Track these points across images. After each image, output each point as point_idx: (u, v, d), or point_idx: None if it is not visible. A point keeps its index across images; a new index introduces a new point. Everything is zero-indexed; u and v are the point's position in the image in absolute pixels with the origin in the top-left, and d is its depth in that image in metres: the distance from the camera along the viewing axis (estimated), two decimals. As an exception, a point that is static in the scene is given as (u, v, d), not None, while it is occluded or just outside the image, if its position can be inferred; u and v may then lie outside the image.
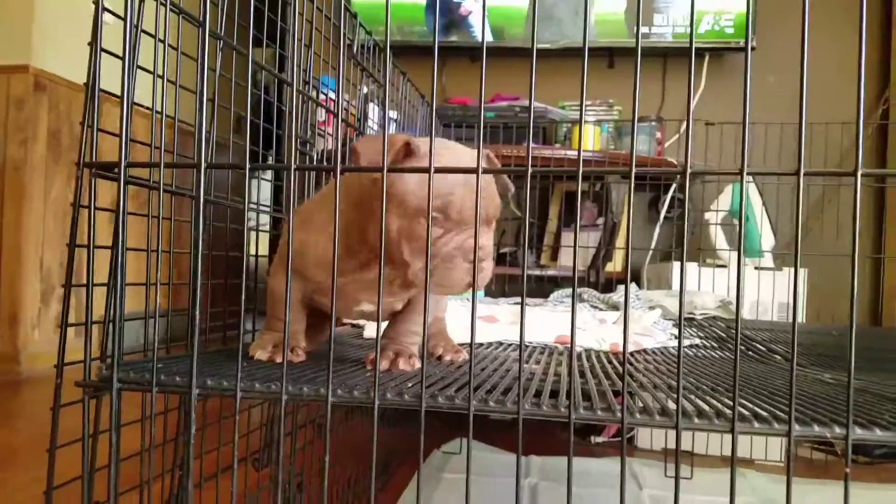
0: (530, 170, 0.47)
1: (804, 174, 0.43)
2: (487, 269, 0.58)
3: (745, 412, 0.46)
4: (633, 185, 0.48)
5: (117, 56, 0.52)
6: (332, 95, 1.35)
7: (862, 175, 0.43)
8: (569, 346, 0.95)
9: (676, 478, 0.45)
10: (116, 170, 0.50)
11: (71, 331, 0.53)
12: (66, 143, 2.51)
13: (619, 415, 0.43)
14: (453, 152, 0.60)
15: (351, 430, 1.15)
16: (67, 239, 0.51)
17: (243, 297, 0.48)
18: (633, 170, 0.46)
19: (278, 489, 0.46)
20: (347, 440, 1.12)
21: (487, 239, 0.59)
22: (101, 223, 0.53)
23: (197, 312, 0.46)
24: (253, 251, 0.88)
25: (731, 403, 0.43)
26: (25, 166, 2.33)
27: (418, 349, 0.66)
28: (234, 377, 0.47)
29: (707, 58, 2.33)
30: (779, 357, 0.94)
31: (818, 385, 0.65)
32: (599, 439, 1.73)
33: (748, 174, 0.46)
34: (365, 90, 1.23)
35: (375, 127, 1.31)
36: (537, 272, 2.02)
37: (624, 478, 0.45)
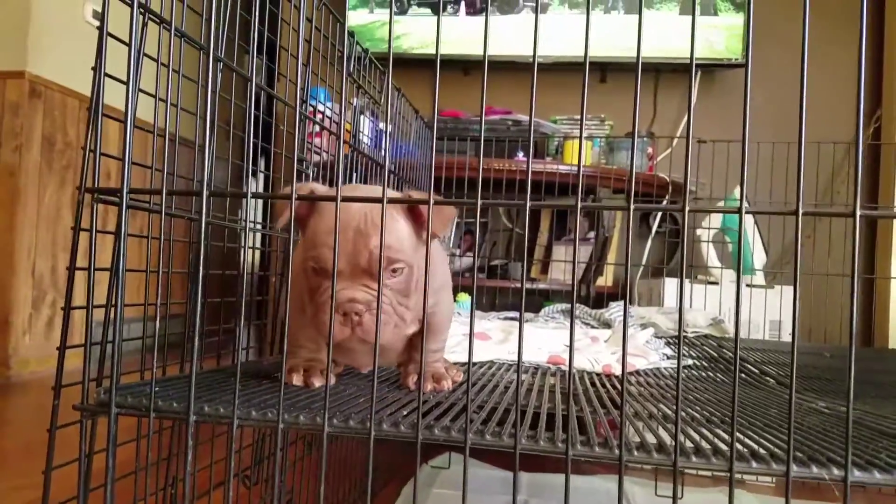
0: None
1: (803, 214, 0.44)
2: (367, 324, 0.55)
3: (743, 449, 0.46)
4: (631, 215, 0.48)
5: (120, 80, 0.53)
6: (320, 108, 1.37)
7: (860, 216, 0.44)
8: (562, 366, 0.96)
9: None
10: (118, 195, 0.50)
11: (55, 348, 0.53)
12: (59, 150, 2.51)
13: (616, 451, 0.44)
14: (354, 195, 0.58)
15: (339, 444, 1.16)
16: (59, 245, 0.51)
17: (240, 324, 0.49)
18: (632, 205, 0.47)
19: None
20: (335, 454, 1.12)
21: (362, 291, 0.55)
22: (96, 240, 0.54)
23: (196, 338, 0.47)
24: (246, 268, 0.88)
25: (727, 438, 0.43)
26: (19, 172, 2.32)
27: (441, 365, 0.67)
28: (230, 403, 0.48)
29: (699, 74, 2.36)
30: (771, 380, 0.95)
31: (813, 416, 0.65)
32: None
33: (747, 213, 0.47)
34: (355, 102, 1.23)
35: (367, 141, 1.32)
36: (528, 285, 2.03)
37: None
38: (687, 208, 0.47)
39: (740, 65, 2.24)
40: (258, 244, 0.93)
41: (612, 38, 2.30)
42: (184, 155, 0.63)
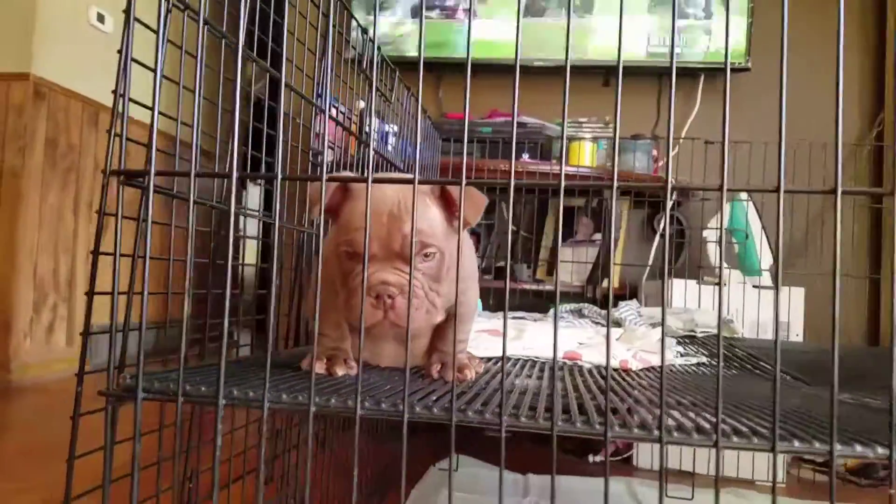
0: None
1: (784, 191, 0.45)
2: (400, 307, 0.55)
3: (727, 428, 0.46)
4: (615, 196, 0.49)
5: (148, 67, 0.53)
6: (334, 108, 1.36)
7: (842, 193, 0.45)
8: (577, 361, 0.96)
9: (661, 494, 0.46)
10: (141, 179, 0.50)
11: (61, 340, 0.52)
12: (62, 152, 2.50)
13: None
14: (382, 185, 0.58)
15: (347, 444, 1.15)
16: (62, 247, 0.51)
17: (272, 306, 0.48)
18: (616, 183, 0.47)
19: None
20: (343, 454, 1.11)
21: (395, 274, 0.55)
22: (125, 231, 0.53)
23: (226, 321, 0.46)
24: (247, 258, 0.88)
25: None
26: (22, 173, 2.31)
27: (465, 356, 0.67)
28: (257, 388, 0.47)
29: (702, 78, 2.37)
30: (788, 377, 0.95)
31: (817, 403, 0.65)
32: (598, 458, 1.73)
33: (729, 190, 0.48)
34: (361, 104, 1.23)
35: (375, 138, 1.32)
36: (534, 287, 2.02)
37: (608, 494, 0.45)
38: (670, 186, 0.47)
39: (745, 69, 2.25)
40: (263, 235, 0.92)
41: (615, 41, 2.31)
42: (187, 145, 0.63)
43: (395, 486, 1.36)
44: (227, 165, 0.47)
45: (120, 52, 0.52)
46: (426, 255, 0.57)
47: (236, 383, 0.50)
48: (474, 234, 2.23)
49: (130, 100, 0.53)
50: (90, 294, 0.52)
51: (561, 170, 0.49)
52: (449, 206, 0.60)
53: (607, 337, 0.47)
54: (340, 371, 0.61)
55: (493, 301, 1.95)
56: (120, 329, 0.52)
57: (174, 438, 0.61)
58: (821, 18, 2.18)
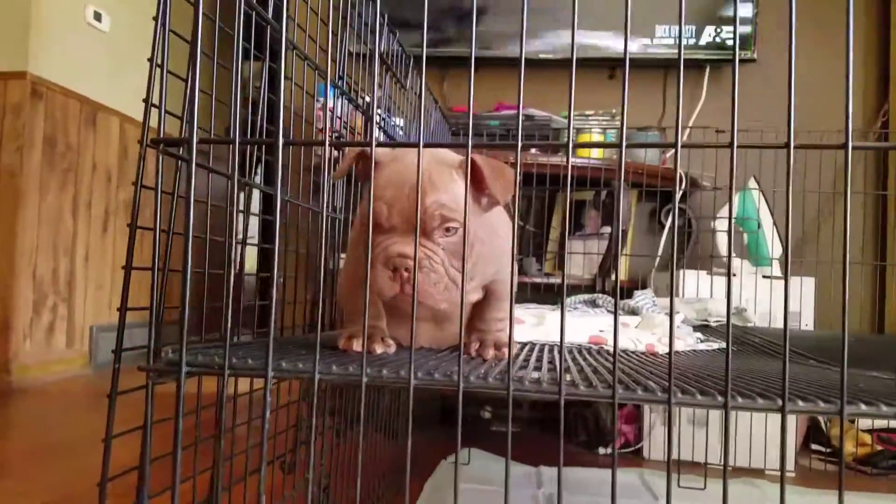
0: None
1: (794, 147, 0.44)
2: (420, 281, 0.53)
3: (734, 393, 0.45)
4: (623, 151, 0.48)
5: (185, 39, 0.51)
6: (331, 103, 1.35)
7: (852, 148, 0.44)
8: (602, 346, 0.95)
9: (667, 460, 0.45)
10: (182, 149, 0.48)
11: (61, 341, 0.51)
12: (60, 152, 2.47)
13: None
14: (406, 156, 0.57)
15: (365, 440, 1.13)
16: (61, 248, 0.50)
17: (321, 288, 0.47)
18: (623, 144, 0.46)
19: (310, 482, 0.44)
20: (368, 448, 1.10)
21: (411, 246, 0.53)
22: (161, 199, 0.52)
23: (273, 295, 0.45)
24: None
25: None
26: (20, 173, 2.28)
27: (505, 335, 0.65)
28: (306, 360, 0.46)
29: (708, 69, 2.37)
30: (813, 361, 0.94)
31: (828, 375, 0.66)
32: (608, 451, 1.73)
33: (739, 147, 0.47)
34: (378, 94, 1.22)
35: (381, 137, 1.31)
36: (543, 280, 2.01)
37: (615, 484, 0.44)
38: (679, 144, 0.47)
39: (750, 59, 2.26)
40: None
41: (621, 34, 2.30)
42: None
43: (412, 479, 1.34)
44: (286, 133, 0.45)
45: (155, 18, 0.50)
46: (447, 230, 0.55)
47: (281, 357, 0.49)
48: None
49: (168, 71, 0.52)
50: (126, 269, 0.51)
51: (568, 160, 0.48)
52: (478, 181, 0.58)
53: (615, 318, 0.46)
54: (379, 349, 0.59)
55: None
56: (146, 307, 0.51)
57: (213, 418, 0.59)
58: (826, 9, 2.18)
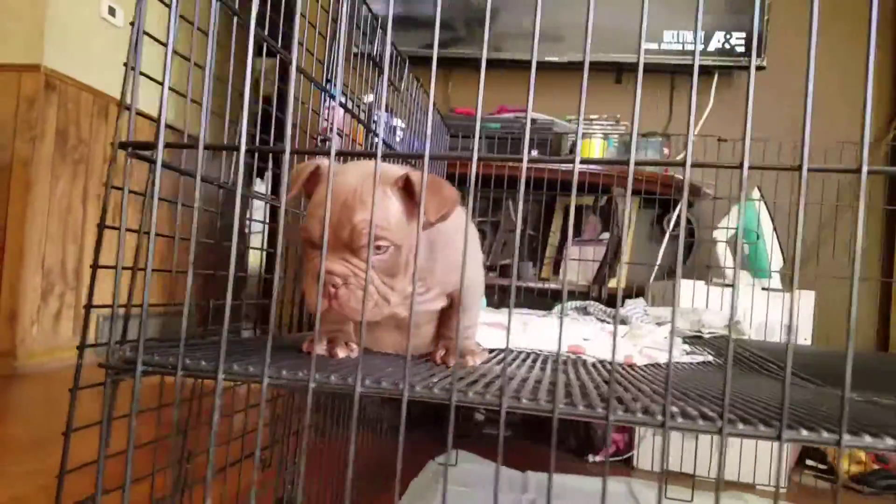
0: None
1: (808, 170, 0.43)
2: (344, 297, 0.54)
3: (732, 416, 0.45)
4: (632, 169, 0.47)
5: (161, 42, 0.52)
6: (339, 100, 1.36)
7: (868, 172, 0.43)
8: (581, 355, 0.95)
9: (663, 477, 0.45)
10: (152, 152, 0.49)
11: (68, 329, 0.52)
12: (72, 144, 2.51)
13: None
14: (347, 172, 0.57)
15: (342, 440, 1.14)
16: (70, 237, 0.51)
17: (275, 288, 0.48)
18: (633, 161, 0.46)
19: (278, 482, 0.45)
20: (338, 450, 1.11)
21: (341, 264, 0.54)
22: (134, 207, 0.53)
23: (228, 298, 0.46)
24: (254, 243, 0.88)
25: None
26: (32, 164, 2.33)
27: (472, 343, 0.66)
28: (259, 364, 0.47)
29: (716, 76, 2.35)
30: (797, 377, 0.94)
31: (824, 399, 0.64)
32: (597, 458, 1.72)
33: (751, 168, 0.46)
34: (370, 98, 1.23)
35: (381, 133, 1.32)
36: (539, 285, 2.01)
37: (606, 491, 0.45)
38: (689, 163, 0.46)
39: (759, 67, 2.24)
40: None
41: (628, 38, 2.29)
42: (214, 126, 0.62)
43: (394, 479, 1.35)
44: (237, 139, 0.46)
45: (132, 23, 0.51)
46: (378, 248, 0.55)
47: (237, 359, 0.50)
48: (480, 232, 2.22)
49: (142, 73, 0.53)
50: (94, 267, 0.52)
51: (575, 165, 0.48)
52: (413, 198, 0.57)
53: (615, 330, 0.46)
54: (342, 353, 0.60)
55: (497, 298, 1.94)
56: (122, 305, 0.52)
57: (169, 421, 0.60)
58: (832, 15, 2.16)
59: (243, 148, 0.47)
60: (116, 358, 0.49)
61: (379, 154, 0.45)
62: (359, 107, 1.09)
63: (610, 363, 0.89)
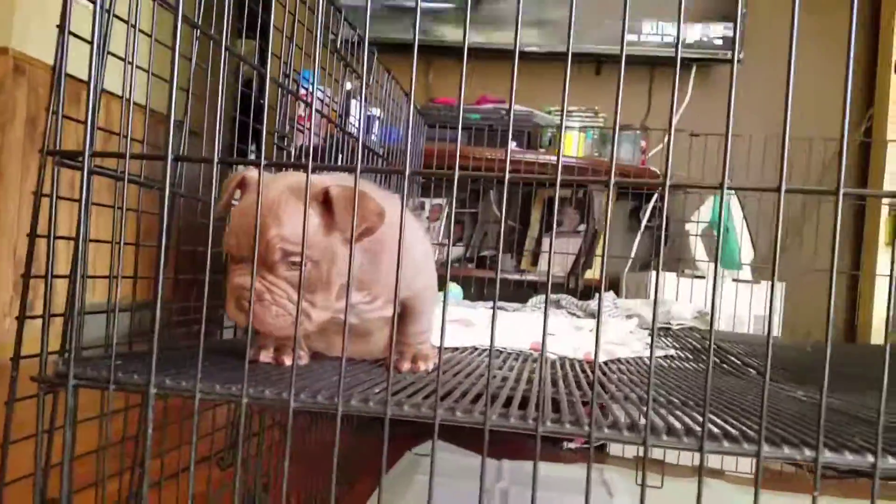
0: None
1: (785, 191, 0.43)
2: (258, 312, 0.54)
3: (716, 430, 0.45)
4: (611, 192, 0.47)
5: (87, 41, 0.51)
6: (308, 88, 1.34)
7: (843, 194, 0.43)
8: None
9: (643, 490, 0.45)
10: (80, 159, 0.48)
11: (38, 322, 0.51)
12: (42, 129, 2.46)
13: (587, 428, 0.42)
14: (269, 184, 0.56)
15: (319, 434, 1.14)
16: (43, 227, 0.50)
17: (206, 293, 0.47)
18: (613, 178, 0.45)
19: (236, 491, 0.45)
20: (317, 443, 1.11)
21: (257, 280, 0.53)
22: (72, 212, 0.52)
23: (158, 308, 0.45)
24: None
25: (702, 419, 0.42)
26: (2, 152, 2.28)
27: (427, 347, 0.66)
28: (195, 377, 0.46)
29: (694, 69, 2.35)
30: (753, 371, 0.95)
31: (792, 403, 0.65)
32: (571, 446, 1.74)
33: (729, 189, 0.46)
34: (348, 86, 1.21)
35: (356, 124, 1.30)
36: (517, 277, 2.02)
37: (590, 488, 0.45)
38: (668, 184, 0.46)
39: (736, 60, 2.23)
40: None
41: (608, 30, 2.28)
42: (163, 128, 0.61)
43: (366, 473, 1.36)
44: (164, 148, 0.45)
45: (59, 26, 0.50)
46: (293, 264, 0.54)
47: (176, 372, 0.49)
48: (458, 223, 2.22)
49: (70, 76, 0.52)
50: (26, 277, 0.51)
51: (558, 163, 0.47)
52: (331, 211, 0.56)
53: (597, 330, 0.46)
54: (289, 361, 0.60)
55: (475, 290, 1.94)
56: (55, 314, 0.51)
57: (122, 427, 0.60)
58: (806, 10, 2.16)
59: (216, 159, 0.46)
60: (51, 371, 0.48)
61: (309, 166, 0.44)
62: (332, 101, 1.07)
63: (570, 360, 0.89)
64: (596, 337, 0.47)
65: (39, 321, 0.51)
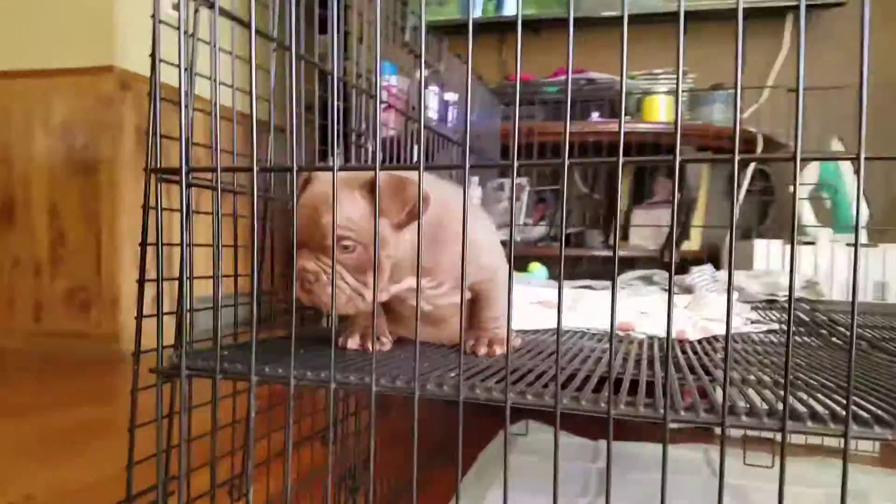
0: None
1: (865, 159, 0.39)
2: (317, 292, 0.59)
3: (862, 413, 0.42)
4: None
5: (176, 65, 0.56)
6: (393, 82, 1.37)
7: None
8: (630, 332, 0.93)
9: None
10: (178, 175, 0.53)
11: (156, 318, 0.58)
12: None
13: (661, 411, 0.42)
14: (322, 179, 0.61)
15: (407, 413, 1.18)
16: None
17: (294, 288, 0.51)
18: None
19: (330, 469, 0.49)
20: (407, 419, 1.15)
21: (314, 262, 0.59)
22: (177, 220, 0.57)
23: (255, 306, 0.49)
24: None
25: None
26: (116, 163, 2.51)
27: (503, 332, 0.68)
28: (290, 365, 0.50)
29: (792, 17, 2.17)
30: (864, 343, 0.88)
31: None
32: (676, 426, 1.69)
33: (803, 159, 0.42)
34: (421, 75, 1.23)
35: (434, 115, 1.32)
36: (606, 253, 1.97)
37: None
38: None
39: (838, 3, 2.03)
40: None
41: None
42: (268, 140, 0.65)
43: (466, 448, 1.39)
44: (254, 160, 0.49)
45: (151, 55, 0.55)
46: (345, 247, 0.59)
47: (274, 360, 0.54)
48: (541, 201, 2.19)
49: (170, 86, 0.57)
50: (140, 281, 0.57)
51: (620, 141, 0.44)
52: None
53: (669, 309, 0.45)
54: (383, 347, 0.64)
55: (558, 269, 1.92)
56: (167, 312, 0.57)
57: (231, 411, 0.66)
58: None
59: (295, 168, 0.50)
60: (166, 363, 0.54)
61: (378, 168, 0.46)
62: (400, 98, 1.10)
63: (660, 339, 0.87)
64: (668, 310, 0.46)
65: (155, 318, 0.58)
